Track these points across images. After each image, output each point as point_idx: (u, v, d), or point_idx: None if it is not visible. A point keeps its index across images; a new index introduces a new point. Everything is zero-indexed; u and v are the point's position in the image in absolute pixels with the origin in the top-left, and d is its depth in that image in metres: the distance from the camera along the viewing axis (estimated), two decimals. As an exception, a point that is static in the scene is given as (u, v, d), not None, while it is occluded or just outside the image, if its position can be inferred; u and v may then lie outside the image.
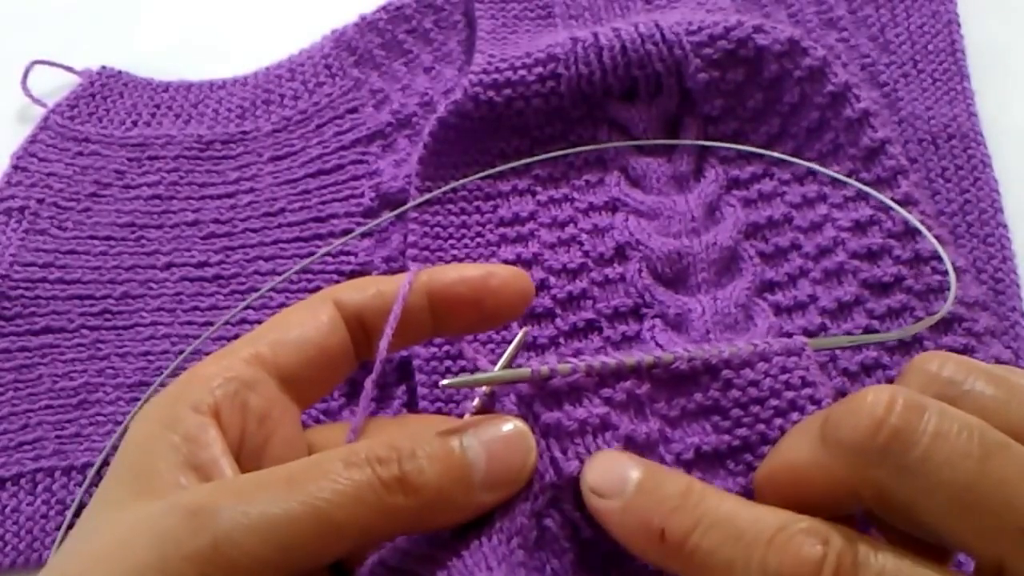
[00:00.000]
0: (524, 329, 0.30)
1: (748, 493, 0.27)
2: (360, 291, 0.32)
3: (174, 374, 0.44)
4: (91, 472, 0.41)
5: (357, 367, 0.32)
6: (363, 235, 0.47)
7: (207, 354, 0.31)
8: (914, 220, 0.40)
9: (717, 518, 0.23)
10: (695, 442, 0.27)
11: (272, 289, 0.46)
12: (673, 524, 0.24)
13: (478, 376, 0.27)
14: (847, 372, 0.39)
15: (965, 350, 0.38)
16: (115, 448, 0.41)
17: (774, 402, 0.27)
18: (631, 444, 0.27)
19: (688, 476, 0.25)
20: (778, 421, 0.27)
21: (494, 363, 0.40)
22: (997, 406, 0.23)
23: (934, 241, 0.39)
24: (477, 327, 0.34)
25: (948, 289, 0.39)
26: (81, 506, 0.41)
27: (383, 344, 0.30)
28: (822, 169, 0.43)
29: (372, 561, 0.27)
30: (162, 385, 0.44)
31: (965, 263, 0.41)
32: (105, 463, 0.42)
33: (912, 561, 0.22)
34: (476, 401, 0.28)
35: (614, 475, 0.25)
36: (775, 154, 0.45)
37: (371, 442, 0.26)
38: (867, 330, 0.40)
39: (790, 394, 0.27)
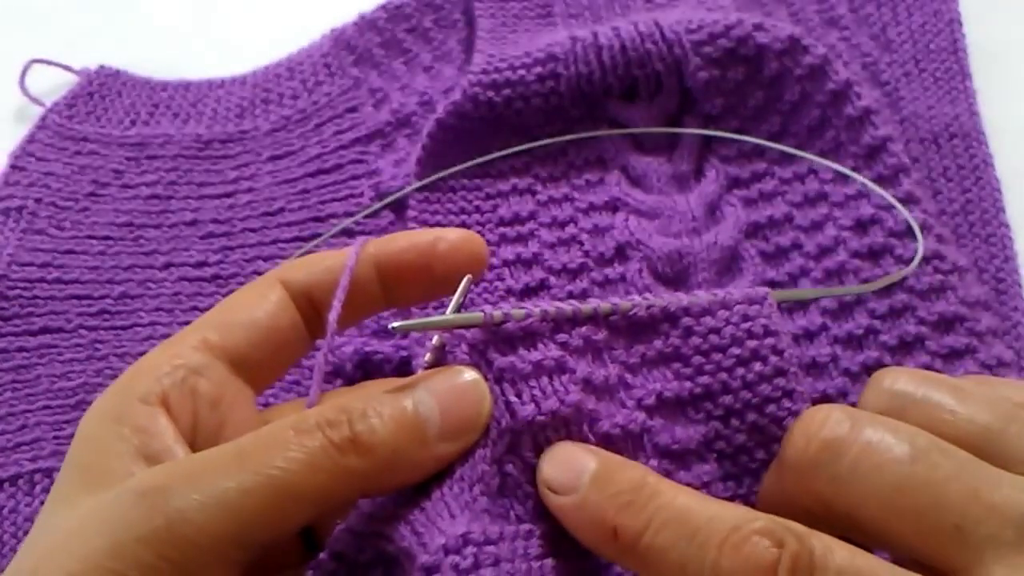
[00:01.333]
0: (467, 276, 0.29)
1: (709, 442, 0.27)
2: (307, 268, 0.31)
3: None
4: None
5: (312, 346, 0.32)
6: (362, 235, 0.47)
7: None
8: (889, 197, 0.40)
9: (669, 516, 0.23)
10: (656, 388, 0.27)
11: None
12: (625, 521, 0.23)
13: (429, 320, 0.26)
14: (848, 372, 0.39)
15: (967, 350, 0.38)
16: None
17: (736, 350, 0.27)
18: (589, 387, 0.26)
19: (644, 468, 0.25)
20: (740, 371, 0.27)
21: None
22: (945, 415, 0.24)
23: (893, 201, 0.39)
24: (429, 295, 0.33)
25: (950, 288, 0.39)
26: None
27: (332, 316, 0.30)
28: (820, 160, 0.43)
29: (339, 528, 0.26)
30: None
31: (967, 263, 0.41)
32: None
33: (868, 559, 0.22)
34: (428, 355, 0.28)
35: (569, 470, 0.25)
36: (778, 145, 0.45)
37: (321, 407, 0.26)
38: (868, 329, 0.39)
39: (752, 343, 0.27)
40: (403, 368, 0.42)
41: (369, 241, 0.32)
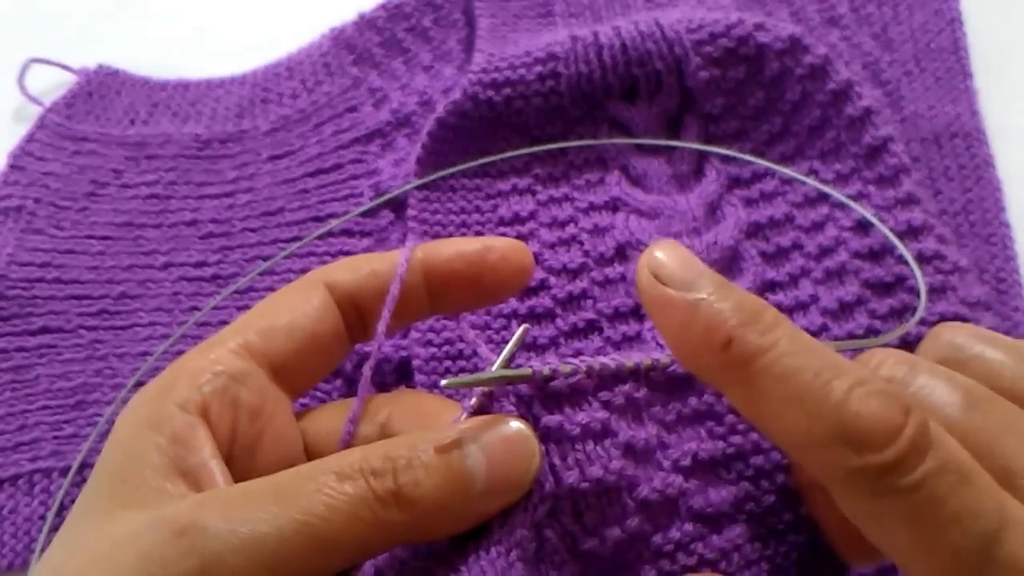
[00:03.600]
0: (524, 326, 0.29)
1: (739, 503, 0.26)
2: (353, 271, 0.30)
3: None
4: (70, 473, 0.41)
5: (351, 351, 0.31)
6: (362, 234, 0.47)
7: (172, 353, 0.30)
8: (887, 231, 0.40)
9: (799, 345, 0.22)
10: (692, 448, 0.27)
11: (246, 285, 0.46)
12: (747, 336, 0.22)
13: (478, 376, 0.26)
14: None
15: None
16: (96, 451, 0.41)
17: None
18: (630, 451, 0.26)
19: (763, 300, 0.24)
20: None
21: (495, 352, 0.40)
22: (1003, 371, 0.24)
23: (907, 253, 0.39)
24: (476, 304, 0.33)
25: (950, 289, 0.39)
26: (62, 508, 0.40)
27: (381, 327, 0.29)
28: (797, 175, 0.43)
29: (367, 571, 0.26)
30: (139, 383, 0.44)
31: (968, 263, 0.41)
32: (86, 464, 0.41)
33: (967, 457, 0.21)
34: (474, 400, 0.27)
35: (690, 266, 0.24)
36: (763, 162, 0.45)
37: (365, 451, 0.25)
38: (868, 330, 0.39)
39: None
40: (403, 368, 0.42)
41: (417, 247, 0.31)
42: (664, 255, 0.24)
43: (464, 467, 0.24)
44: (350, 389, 0.42)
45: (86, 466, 0.42)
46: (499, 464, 0.25)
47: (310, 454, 0.30)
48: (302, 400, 0.41)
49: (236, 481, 0.26)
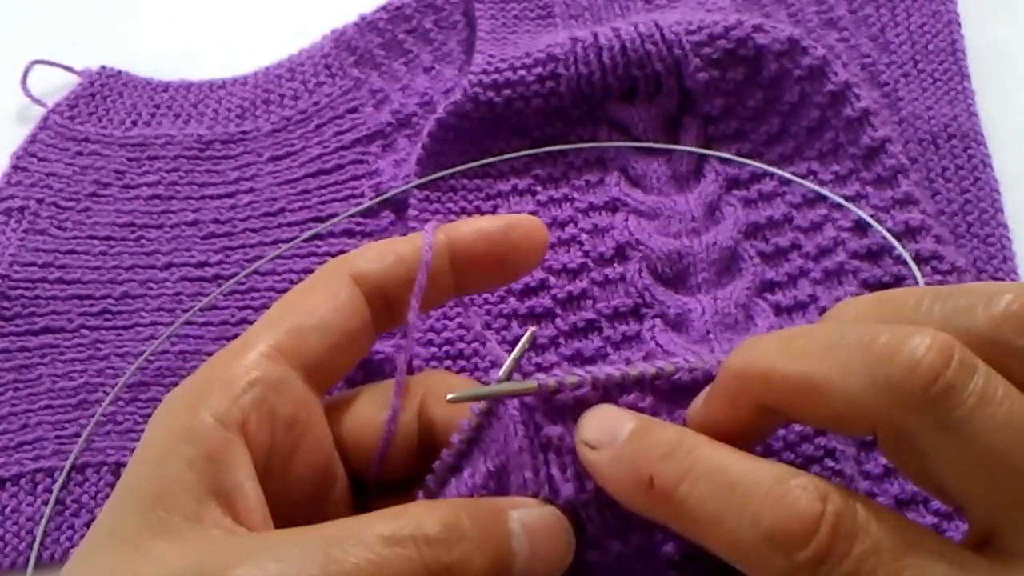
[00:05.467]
0: (531, 330, 0.29)
1: None
2: (379, 260, 0.29)
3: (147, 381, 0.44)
4: (62, 476, 0.41)
5: (375, 341, 0.30)
6: (362, 235, 0.47)
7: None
8: (882, 230, 0.40)
9: (708, 468, 0.22)
10: None
11: (240, 283, 0.46)
12: (662, 472, 0.23)
13: (483, 390, 0.26)
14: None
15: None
16: (90, 451, 0.41)
17: None
18: None
19: (682, 427, 0.24)
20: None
21: (501, 345, 0.39)
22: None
23: (904, 252, 0.39)
24: (499, 282, 0.33)
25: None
26: (58, 506, 0.40)
27: (411, 317, 0.28)
28: (837, 197, 0.43)
29: None
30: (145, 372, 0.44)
31: (965, 263, 0.41)
32: (75, 467, 0.41)
33: (910, 530, 0.21)
34: (472, 420, 0.27)
35: (607, 427, 0.24)
36: (769, 168, 0.45)
37: (419, 512, 0.23)
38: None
39: None
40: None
41: (439, 228, 0.30)
42: (586, 425, 0.25)
43: (510, 547, 0.24)
44: (364, 372, 0.42)
45: (85, 467, 0.42)
46: (539, 549, 0.24)
47: (342, 449, 0.29)
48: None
49: (268, 494, 0.25)
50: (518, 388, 0.25)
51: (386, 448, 0.29)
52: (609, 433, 0.24)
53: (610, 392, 0.26)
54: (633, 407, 0.26)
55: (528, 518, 0.25)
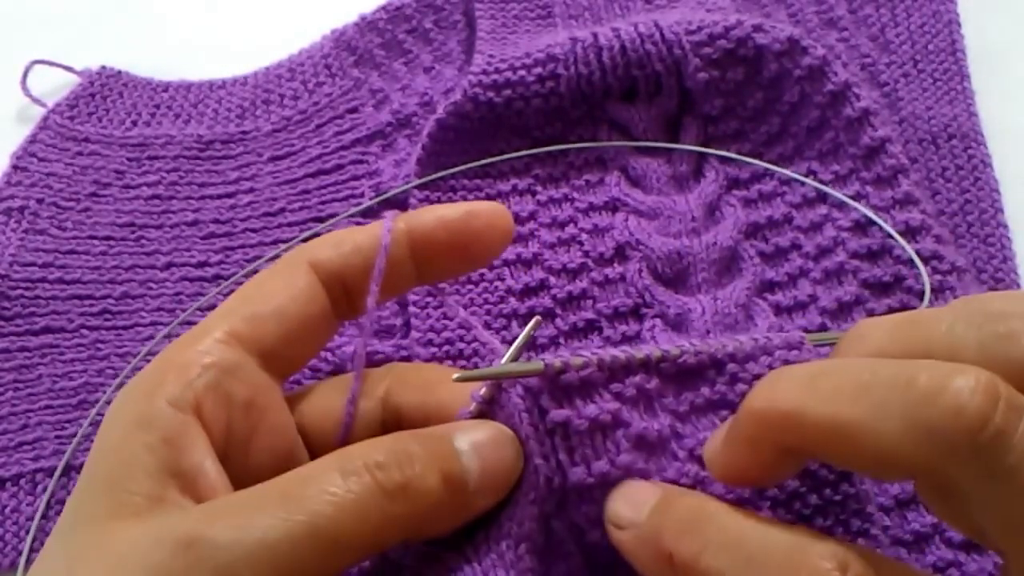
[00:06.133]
0: (536, 318, 0.29)
1: (761, 489, 0.26)
2: (336, 248, 0.29)
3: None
4: (56, 475, 0.41)
5: (337, 329, 0.30)
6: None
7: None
8: (889, 228, 0.40)
9: (726, 540, 0.22)
10: (706, 437, 0.27)
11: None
12: (681, 547, 0.23)
13: (491, 369, 0.26)
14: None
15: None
16: (84, 451, 0.41)
17: None
18: (642, 443, 0.26)
19: (703, 496, 0.25)
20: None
21: (495, 335, 0.39)
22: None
23: (910, 250, 0.39)
24: (462, 270, 0.33)
25: (948, 289, 0.39)
26: (49, 509, 0.40)
27: (371, 302, 0.28)
28: (807, 180, 0.43)
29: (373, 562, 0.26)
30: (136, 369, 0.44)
31: (965, 263, 0.41)
32: (71, 467, 0.41)
33: None
34: (483, 390, 0.27)
35: (633, 504, 0.25)
36: (770, 166, 0.45)
37: (366, 447, 0.25)
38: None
39: None
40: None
41: (398, 217, 0.30)
42: (613, 504, 0.25)
43: (461, 464, 0.25)
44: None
45: (73, 468, 0.42)
46: (489, 463, 0.25)
47: (306, 439, 0.29)
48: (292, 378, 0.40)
49: (232, 479, 0.26)
50: (525, 369, 0.26)
51: (347, 432, 0.29)
52: (635, 510, 0.25)
53: (616, 373, 0.26)
54: (640, 388, 0.26)
55: (474, 436, 0.26)
